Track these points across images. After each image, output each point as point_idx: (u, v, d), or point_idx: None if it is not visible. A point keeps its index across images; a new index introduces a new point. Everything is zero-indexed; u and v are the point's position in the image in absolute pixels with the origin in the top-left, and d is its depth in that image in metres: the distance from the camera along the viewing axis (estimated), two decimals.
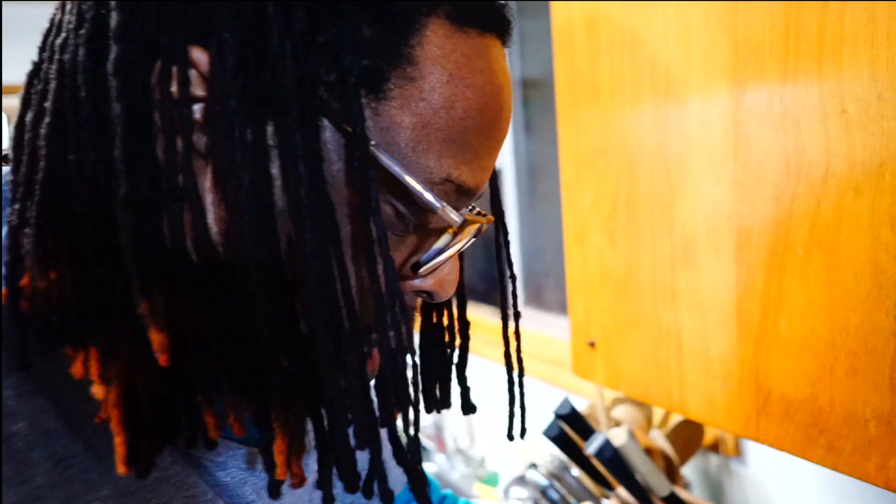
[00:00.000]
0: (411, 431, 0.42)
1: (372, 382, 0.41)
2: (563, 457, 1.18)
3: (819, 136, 0.65)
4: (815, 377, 0.68)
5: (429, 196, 0.39)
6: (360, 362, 0.38)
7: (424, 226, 0.42)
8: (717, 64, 0.75)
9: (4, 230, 0.40)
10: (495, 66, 0.41)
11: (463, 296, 0.54)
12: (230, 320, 0.37)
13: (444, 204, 0.39)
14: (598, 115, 0.92)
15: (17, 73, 0.49)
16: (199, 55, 0.35)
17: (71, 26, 0.37)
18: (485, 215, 0.50)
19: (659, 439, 1.18)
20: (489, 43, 0.41)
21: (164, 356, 0.35)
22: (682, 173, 0.81)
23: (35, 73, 0.39)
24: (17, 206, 0.38)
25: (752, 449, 1.19)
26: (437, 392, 0.54)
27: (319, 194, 0.36)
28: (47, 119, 0.37)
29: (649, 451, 1.13)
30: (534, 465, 1.22)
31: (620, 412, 1.28)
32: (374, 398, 0.41)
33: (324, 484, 0.41)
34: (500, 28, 0.42)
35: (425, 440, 2.10)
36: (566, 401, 1.07)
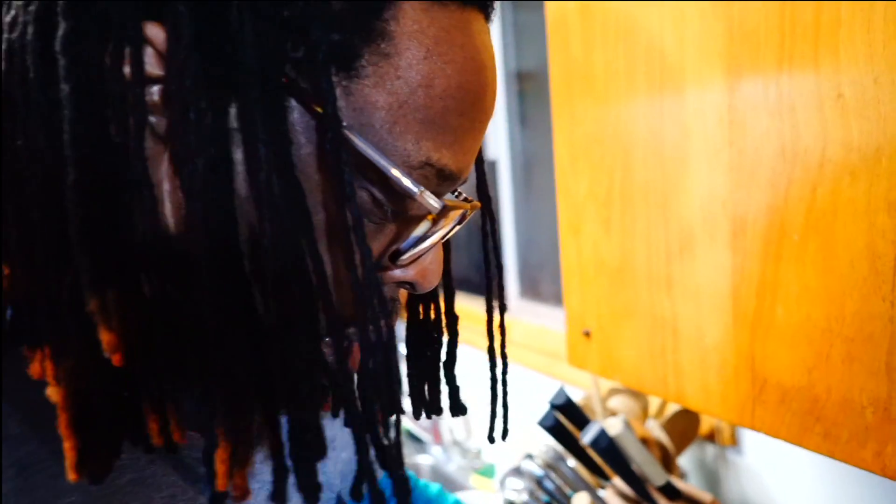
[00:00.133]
0: (392, 435, 0.39)
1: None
2: (558, 447, 1.18)
3: (815, 121, 0.64)
4: (811, 364, 0.67)
5: (406, 181, 0.36)
6: (340, 358, 0.36)
7: (404, 213, 0.40)
8: (711, 50, 0.74)
9: None
10: (477, 42, 0.39)
11: (451, 288, 0.51)
12: (179, 316, 0.34)
13: (423, 189, 0.37)
14: (593, 104, 0.92)
15: None
16: (156, 32, 0.33)
17: (20, 2, 0.34)
18: (470, 201, 0.48)
19: (655, 429, 1.17)
20: (470, 17, 0.39)
21: (118, 356, 0.33)
22: (677, 161, 0.80)
23: None
24: None
25: (749, 438, 1.19)
26: (426, 393, 0.51)
27: (287, 180, 0.34)
28: None
29: (645, 441, 1.13)
30: (530, 456, 1.21)
31: (616, 402, 1.27)
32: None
33: (278, 497, 0.37)
34: (482, 1, 0.40)
35: (421, 432, 2.10)
36: (561, 391, 1.06)
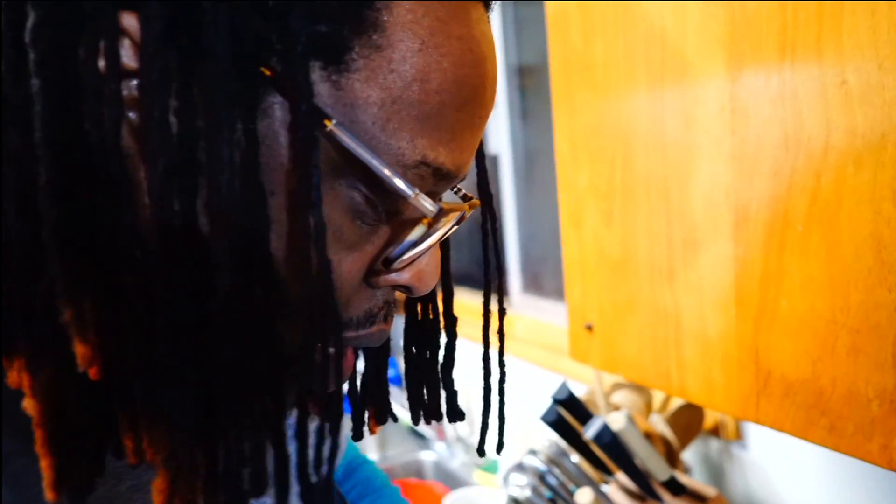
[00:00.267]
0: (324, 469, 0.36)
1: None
2: (561, 442, 1.17)
3: (818, 108, 0.63)
4: (816, 356, 0.66)
5: (399, 182, 0.34)
6: (276, 383, 0.33)
7: (398, 214, 0.38)
8: (713, 37, 0.73)
9: None
10: (475, 33, 0.36)
11: (449, 288, 0.49)
12: (143, 329, 0.32)
13: (417, 191, 0.35)
14: (593, 95, 0.91)
15: None
16: (132, 22, 0.31)
17: None
18: (470, 199, 0.46)
19: (659, 424, 1.16)
20: (468, 6, 0.36)
21: (95, 369, 0.31)
22: (679, 152, 0.79)
23: None
24: None
25: (753, 432, 1.18)
26: (425, 397, 0.49)
27: (248, 184, 0.32)
28: None
29: (649, 436, 1.12)
30: (533, 452, 1.21)
31: (620, 397, 1.26)
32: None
33: None
34: None
35: (425, 429, 2.09)
36: (564, 385, 1.05)
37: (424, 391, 0.49)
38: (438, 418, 0.50)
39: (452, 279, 0.49)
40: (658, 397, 1.27)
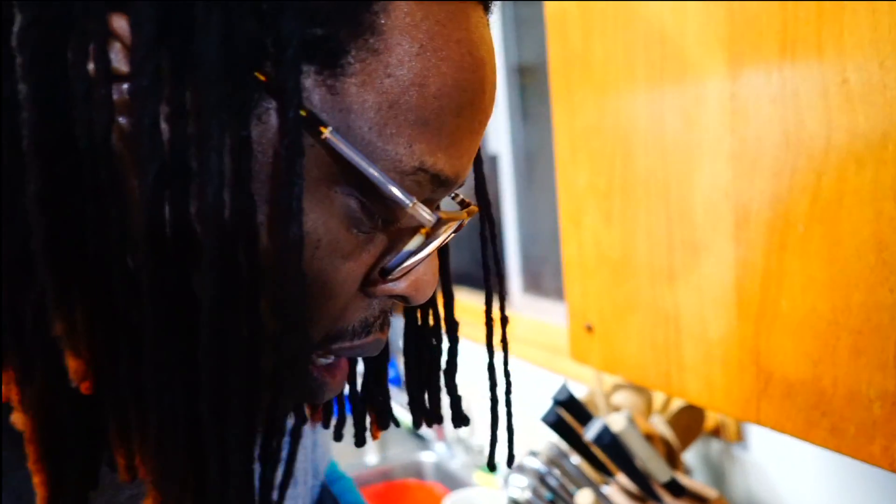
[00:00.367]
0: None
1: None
2: (562, 444, 1.16)
3: (819, 108, 0.63)
4: (817, 357, 0.66)
5: (396, 190, 0.33)
6: (248, 410, 0.32)
7: (395, 222, 0.37)
8: (712, 36, 0.72)
9: None
10: (475, 37, 0.36)
11: (450, 293, 0.48)
12: (133, 341, 0.31)
13: (415, 200, 0.34)
14: (593, 94, 0.90)
15: None
16: (123, 24, 0.30)
17: None
18: (468, 205, 0.45)
19: (659, 425, 1.16)
20: (468, 9, 0.35)
21: (87, 384, 0.30)
22: (679, 151, 0.78)
23: None
24: None
25: (754, 434, 1.18)
26: (427, 402, 0.48)
27: (238, 193, 0.31)
28: None
29: (649, 437, 1.11)
30: (533, 453, 1.20)
31: (620, 398, 1.26)
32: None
33: None
34: None
35: (425, 429, 2.09)
36: (564, 387, 1.05)
37: (426, 396, 0.48)
38: (440, 421, 0.49)
39: (452, 284, 0.48)
40: (659, 398, 1.26)
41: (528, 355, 1.71)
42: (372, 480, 1.90)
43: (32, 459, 0.31)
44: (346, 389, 0.50)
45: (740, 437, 1.20)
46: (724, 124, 0.72)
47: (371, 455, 1.97)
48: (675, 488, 1.03)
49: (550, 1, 0.96)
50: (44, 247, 0.30)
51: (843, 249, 0.62)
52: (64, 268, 0.30)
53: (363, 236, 0.36)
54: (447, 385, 0.48)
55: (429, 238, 0.37)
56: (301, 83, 0.31)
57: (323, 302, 0.35)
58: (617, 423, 0.99)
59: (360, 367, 0.50)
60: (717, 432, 1.23)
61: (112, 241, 0.31)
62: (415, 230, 0.38)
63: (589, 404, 1.27)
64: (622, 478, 1.07)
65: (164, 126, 0.30)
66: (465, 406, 0.50)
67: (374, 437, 0.50)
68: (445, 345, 0.48)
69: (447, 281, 0.48)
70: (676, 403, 1.20)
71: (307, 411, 0.50)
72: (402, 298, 0.39)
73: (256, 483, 0.33)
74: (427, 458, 2.00)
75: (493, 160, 1.98)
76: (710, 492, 1.04)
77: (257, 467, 0.33)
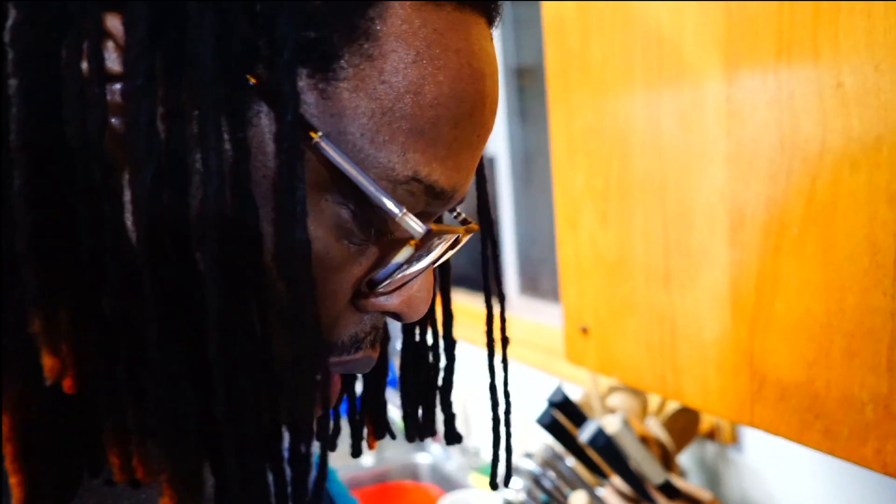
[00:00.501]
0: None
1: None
2: (557, 445, 1.16)
3: (814, 111, 0.63)
4: (811, 360, 0.66)
5: (385, 199, 0.32)
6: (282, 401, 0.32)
7: (387, 234, 0.36)
8: (709, 38, 0.72)
9: None
10: (475, 48, 0.35)
11: (449, 311, 0.47)
12: (135, 340, 0.31)
13: (404, 210, 0.33)
14: (590, 96, 0.90)
15: None
16: (117, 24, 0.30)
17: None
18: (468, 222, 0.44)
19: (654, 427, 1.16)
20: (468, 20, 0.35)
21: (69, 382, 0.30)
22: (675, 153, 0.79)
23: None
24: None
25: (749, 436, 1.18)
26: (420, 417, 0.48)
27: (239, 195, 0.31)
28: None
29: (645, 440, 1.11)
30: (528, 455, 1.20)
31: (616, 400, 1.26)
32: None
33: None
34: (482, 4, 0.36)
35: None
36: (559, 389, 1.05)
37: (420, 411, 0.48)
38: (433, 435, 0.49)
39: (452, 302, 0.48)
40: (654, 401, 1.26)
41: (525, 357, 1.71)
42: (368, 482, 1.90)
43: (10, 460, 0.31)
44: (344, 401, 0.50)
45: (735, 440, 1.20)
46: (720, 127, 0.73)
47: (367, 457, 1.97)
48: (669, 490, 1.03)
49: (548, 1, 0.96)
50: (28, 244, 0.29)
51: (838, 252, 0.62)
52: (49, 267, 0.30)
53: (354, 248, 0.35)
54: (442, 403, 0.48)
55: (419, 251, 0.36)
56: (296, 85, 0.31)
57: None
58: (611, 424, 0.99)
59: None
60: (712, 435, 1.23)
61: (103, 240, 0.30)
62: (406, 241, 0.37)
63: (584, 406, 1.27)
64: (616, 480, 1.07)
65: (160, 127, 0.30)
66: (462, 407, 0.50)
67: (371, 446, 0.50)
68: (443, 363, 0.48)
69: (447, 299, 0.47)
70: (672, 406, 1.20)
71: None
72: (395, 315, 0.39)
73: (288, 486, 0.33)
74: (423, 459, 2.00)
75: (491, 161, 1.98)
76: (704, 494, 1.04)
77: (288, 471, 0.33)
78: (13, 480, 0.31)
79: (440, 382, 0.48)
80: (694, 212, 0.77)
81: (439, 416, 0.49)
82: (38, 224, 0.30)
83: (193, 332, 0.31)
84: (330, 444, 0.37)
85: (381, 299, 0.37)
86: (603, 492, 1.09)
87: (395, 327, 0.46)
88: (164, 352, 0.30)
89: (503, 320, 0.47)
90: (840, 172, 0.61)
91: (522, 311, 1.93)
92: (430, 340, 0.49)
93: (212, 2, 0.29)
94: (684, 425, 1.19)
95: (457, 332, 0.49)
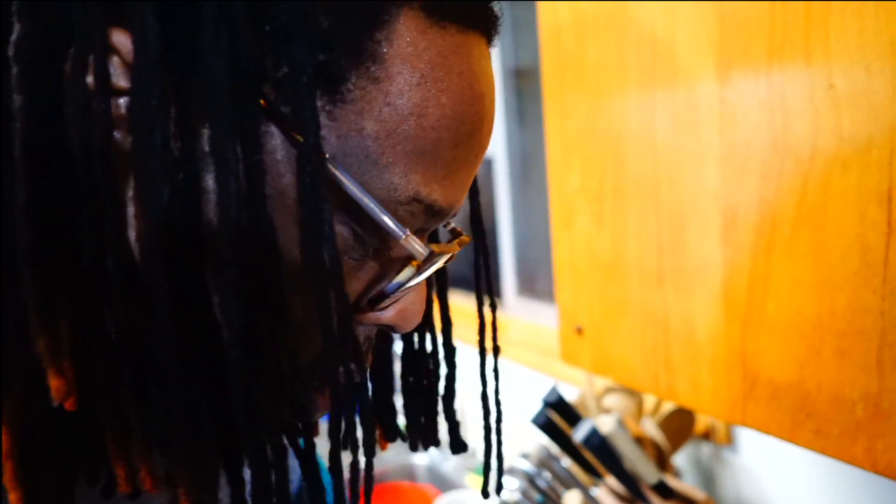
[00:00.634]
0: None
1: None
2: (552, 446, 1.17)
3: (806, 112, 0.63)
4: (802, 359, 0.66)
5: (390, 222, 0.33)
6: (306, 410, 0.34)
7: (386, 251, 0.37)
8: (703, 40, 0.73)
9: None
10: (476, 69, 0.35)
11: (448, 319, 0.48)
12: (142, 355, 0.31)
13: (408, 232, 0.34)
14: (585, 98, 0.91)
15: None
16: (122, 40, 0.30)
17: None
18: (459, 234, 0.45)
19: (650, 428, 1.16)
20: (471, 41, 0.35)
21: (72, 399, 0.30)
22: (669, 154, 0.79)
23: None
24: None
25: (744, 437, 1.18)
26: (423, 426, 0.48)
27: (258, 217, 0.31)
28: None
29: (640, 440, 1.12)
30: (524, 455, 1.20)
31: (612, 401, 1.26)
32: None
33: None
34: (485, 25, 0.36)
35: None
36: (554, 389, 1.05)
37: (422, 420, 0.49)
38: (436, 444, 0.49)
39: (450, 309, 0.48)
40: (650, 401, 1.27)
41: (523, 358, 1.72)
42: None
43: (9, 476, 0.31)
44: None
45: (730, 441, 1.20)
46: (713, 128, 0.73)
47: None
48: (663, 490, 1.03)
49: (543, 1, 0.96)
50: (29, 260, 0.29)
51: (829, 252, 0.63)
52: (50, 282, 0.30)
53: (353, 263, 0.36)
54: (445, 411, 0.48)
55: (420, 270, 0.37)
56: (316, 109, 0.31)
57: (311, 327, 0.35)
58: (605, 424, 0.99)
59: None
60: (707, 435, 1.23)
61: (107, 255, 0.31)
62: (406, 260, 0.38)
63: (580, 407, 1.28)
64: (611, 480, 1.07)
65: (173, 146, 0.30)
66: (458, 407, 0.50)
67: (383, 448, 0.50)
68: (443, 370, 0.48)
69: (445, 305, 0.48)
70: (667, 407, 1.21)
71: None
72: (389, 327, 0.39)
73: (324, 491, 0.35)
74: (420, 460, 2.00)
75: (489, 163, 1.99)
76: (698, 494, 1.04)
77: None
78: (13, 497, 0.31)
79: (442, 391, 0.48)
80: (687, 212, 0.77)
81: (442, 424, 0.49)
82: (40, 240, 0.30)
83: (207, 346, 0.31)
84: (369, 450, 0.38)
85: (377, 312, 0.38)
86: (598, 492, 1.09)
87: None
88: (179, 366, 0.31)
89: (495, 329, 0.47)
90: (831, 173, 0.62)
91: (520, 312, 1.93)
92: (429, 346, 0.49)
93: (225, 23, 0.30)
94: (680, 426, 1.19)
95: (454, 333, 0.49)
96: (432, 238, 0.44)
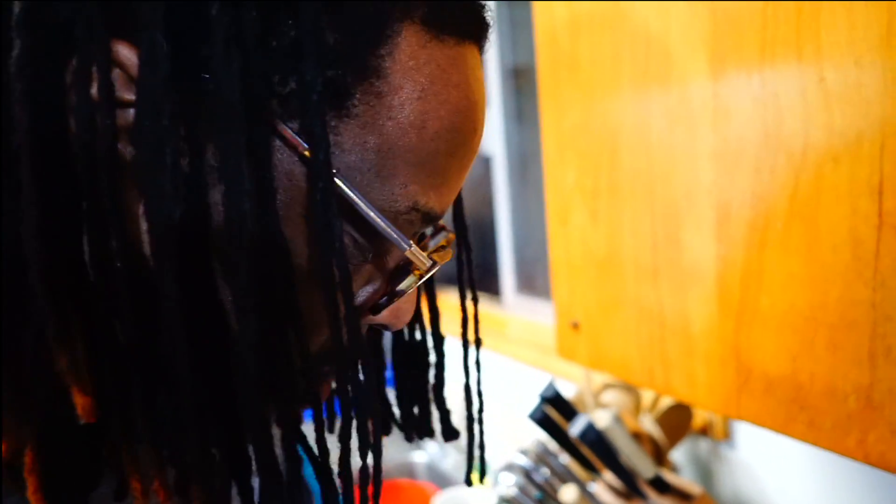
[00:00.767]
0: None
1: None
2: (550, 441, 1.17)
3: (798, 106, 0.64)
4: (796, 352, 0.67)
5: (394, 234, 0.34)
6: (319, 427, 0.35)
7: (383, 256, 0.38)
8: (696, 37, 0.73)
9: None
10: (471, 80, 0.36)
11: (435, 309, 0.49)
12: (154, 368, 0.31)
13: (412, 244, 0.35)
14: (580, 95, 0.91)
15: None
16: (127, 53, 0.30)
17: None
18: (443, 228, 0.46)
19: (647, 423, 1.17)
20: (467, 52, 0.36)
21: (91, 413, 0.31)
22: (663, 149, 0.80)
23: None
24: None
25: (741, 433, 1.19)
26: (416, 416, 0.50)
27: (270, 234, 0.31)
28: None
29: (637, 436, 1.12)
30: (522, 451, 1.21)
31: (609, 397, 1.27)
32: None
33: None
34: (479, 35, 0.38)
35: None
36: (550, 384, 1.06)
37: (415, 410, 0.50)
38: (430, 435, 0.50)
39: (437, 301, 0.49)
40: (647, 397, 1.27)
41: (521, 355, 1.72)
42: None
43: (32, 490, 0.31)
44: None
45: (727, 436, 1.21)
46: (706, 124, 0.73)
47: None
48: (660, 485, 1.03)
49: (540, 1, 0.97)
50: (41, 279, 0.30)
51: (821, 246, 0.63)
52: (63, 301, 0.30)
53: (351, 267, 0.37)
54: (436, 399, 0.50)
55: (420, 278, 0.38)
56: (326, 126, 0.32)
57: (311, 330, 0.36)
58: (602, 419, 1.00)
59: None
60: (704, 431, 1.24)
61: (116, 268, 0.31)
62: (404, 267, 0.39)
63: (578, 403, 1.28)
64: (608, 475, 1.07)
65: (183, 163, 0.31)
66: (453, 407, 0.51)
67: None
68: (433, 359, 0.49)
69: (433, 298, 0.49)
70: (665, 402, 1.21)
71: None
72: (382, 326, 0.41)
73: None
74: (419, 457, 2.00)
75: (488, 161, 1.99)
76: (694, 488, 1.05)
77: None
78: None
79: (432, 380, 0.49)
80: (681, 208, 0.78)
81: (434, 414, 0.50)
82: (52, 257, 0.30)
83: (217, 357, 0.32)
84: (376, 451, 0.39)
85: (370, 314, 0.39)
86: (595, 487, 1.09)
87: None
88: (189, 377, 0.31)
89: (477, 321, 0.48)
90: (823, 167, 0.62)
91: (519, 310, 1.94)
92: (418, 337, 0.50)
93: (236, 41, 0.30)
94: (677, 422, 1.20)
95: (445, 328, 0.50)
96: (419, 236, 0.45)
